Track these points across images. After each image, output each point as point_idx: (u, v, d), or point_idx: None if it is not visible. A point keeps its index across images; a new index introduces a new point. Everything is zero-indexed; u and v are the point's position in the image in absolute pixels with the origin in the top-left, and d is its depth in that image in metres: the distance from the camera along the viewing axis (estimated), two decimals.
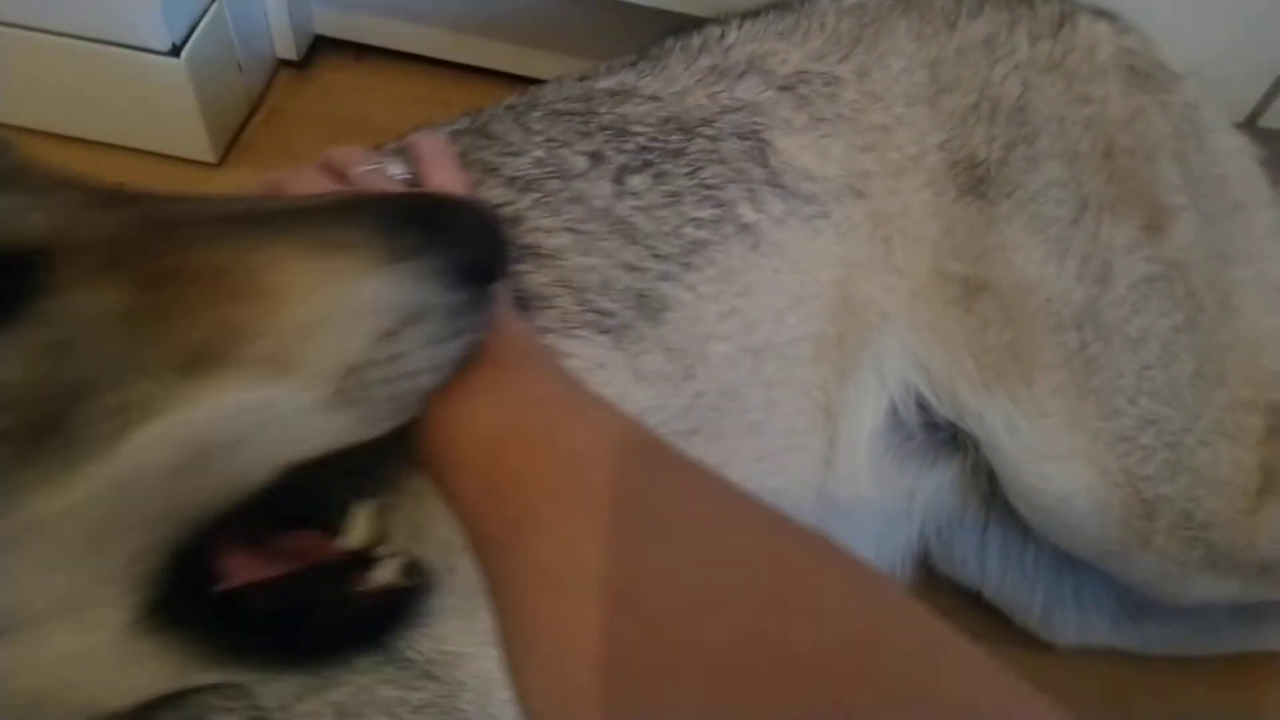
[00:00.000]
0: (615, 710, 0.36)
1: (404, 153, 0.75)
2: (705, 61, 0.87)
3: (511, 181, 0.78)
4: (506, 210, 0.76)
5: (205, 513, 0.44)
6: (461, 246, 0.47)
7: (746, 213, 0.82)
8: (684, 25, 0.94)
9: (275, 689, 0.54)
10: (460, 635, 0.60)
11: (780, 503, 0.83)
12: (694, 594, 0.37)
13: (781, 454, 0.81)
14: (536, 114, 0.83)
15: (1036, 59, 0.85)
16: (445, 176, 0.71)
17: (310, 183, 0.66)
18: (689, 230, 0.80)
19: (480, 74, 1.33)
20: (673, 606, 0.37)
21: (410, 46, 1.33)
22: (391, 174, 0.70)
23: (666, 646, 0.36)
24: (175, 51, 1.10)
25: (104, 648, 0.44)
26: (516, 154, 0.79)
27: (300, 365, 0.44)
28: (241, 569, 0.49)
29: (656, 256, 0.78)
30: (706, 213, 0.81)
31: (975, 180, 0.81)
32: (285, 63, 1.32)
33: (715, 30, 0.90)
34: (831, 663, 0.33)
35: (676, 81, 0.87)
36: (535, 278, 0.74)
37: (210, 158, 1.21)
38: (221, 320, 0.43)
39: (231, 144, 1.24)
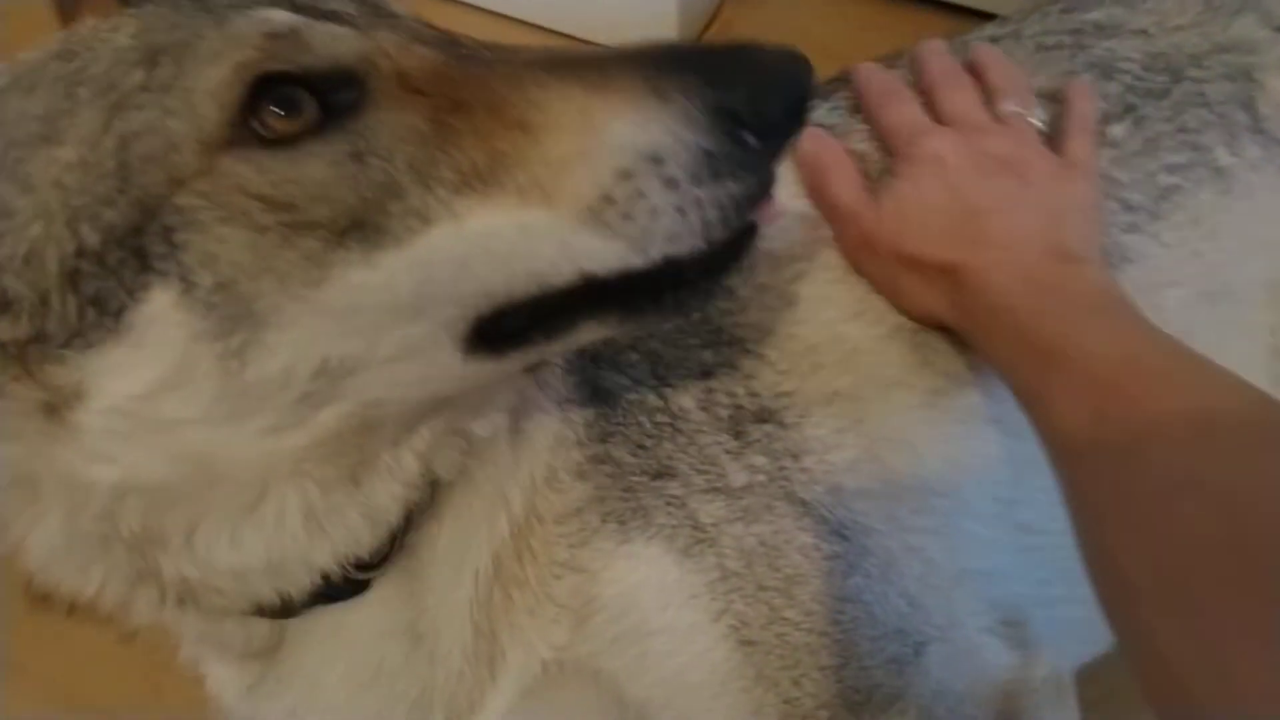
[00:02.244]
0: (1249, 622, 0.39)
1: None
2: None
3: None
4: None
5: (499, 300, 0.51)
6: (730, 92, 0.48)
7: (1222, 156, 0.81)
8: None
9: None
10: (872, 512, 0.68)
11: None
12: None
13: None
14: (1021, 52, 0.84)
15: None
16: (1084, 146, 0.73)
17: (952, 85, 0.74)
18: (1162, 177, 0.80)
19: (929, 4, 1.38)
20: None
21: None
22: (1036, 123, 0.74)
23: None
24: None
25: (446, 370, 0.53)
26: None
27: (553, 194, 0.49)
28: None
29: (1127, 208, 0.79)
30: (1182, 158, 0.81)
31: None
32: None
33: None
34: None
35: (1169, 16, 0.86)
36: None
37: None
38: (490, 150, 0.50)
39: None
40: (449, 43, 0.53)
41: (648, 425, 0.67)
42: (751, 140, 0.49)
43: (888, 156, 0.73)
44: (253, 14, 0.49)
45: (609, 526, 0.64)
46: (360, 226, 0.49)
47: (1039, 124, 0.74)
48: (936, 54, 0.79)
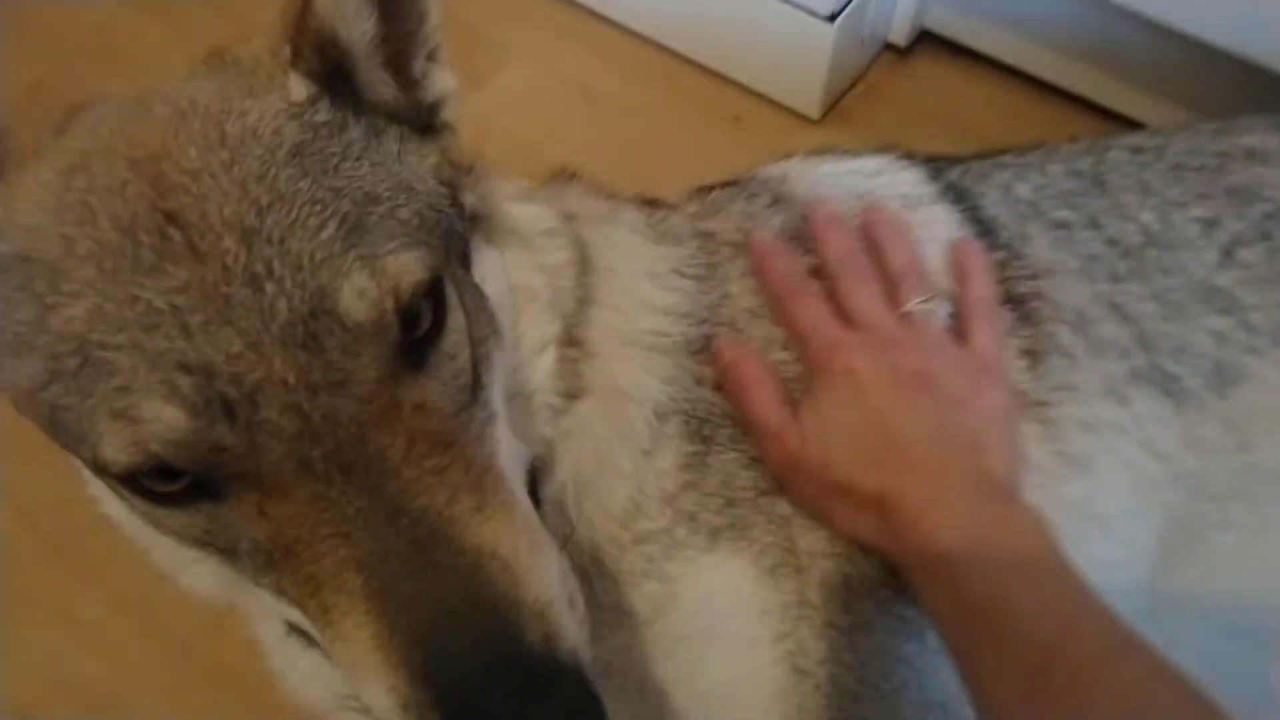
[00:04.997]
0: None
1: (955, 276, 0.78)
2: None
3: (1112, 244, 0.81)
4: (1100, 267, 0.79)
5: None
6: None
7: None
8: None
9: None
10: None
11: None
12: None
13: None
14: (1160, 167, 0.84)
15: None
16: (987, 336, 0.74)
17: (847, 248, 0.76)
18: None
19: (1066, 98, 1.39)
20: None
21: (1007, 57, 1.41)
22: (941, 315, 0.75)
23: None
24: (831, 18, 1.27)
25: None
26: (1125, 218, 0.82)
27: None
28: None
29: (1248, 329, 0.79)
30: None
31: None
32: (890, 47, 1.46)
33: None
34: None
35: None
36: (1110, 328, 0.78)
37: (813, 114, 1.38)
38: None
39: (831, 108, 1.40)
40: None
41: None
42: None
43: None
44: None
45: (697, 538, 0.67)
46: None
47: (944, 313, 0.74)
48: (835, 229, 0.78)
